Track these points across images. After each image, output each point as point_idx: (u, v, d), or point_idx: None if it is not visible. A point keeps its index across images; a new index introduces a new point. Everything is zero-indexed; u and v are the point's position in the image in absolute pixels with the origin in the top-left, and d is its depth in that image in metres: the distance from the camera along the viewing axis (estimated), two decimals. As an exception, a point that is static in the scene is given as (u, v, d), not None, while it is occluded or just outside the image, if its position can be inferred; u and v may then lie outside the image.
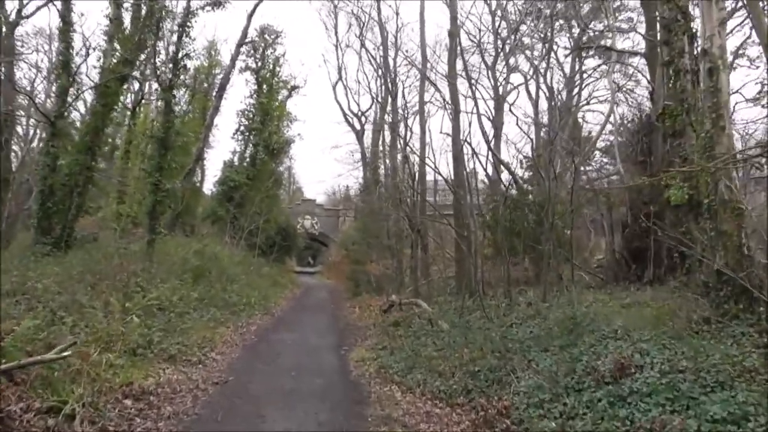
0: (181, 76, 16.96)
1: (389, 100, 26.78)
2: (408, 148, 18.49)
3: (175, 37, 15.89)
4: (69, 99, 17.84)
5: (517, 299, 12.71)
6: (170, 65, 15.69)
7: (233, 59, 26.08)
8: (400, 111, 26.12)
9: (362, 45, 30.14)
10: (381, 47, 27.50)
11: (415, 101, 26.06)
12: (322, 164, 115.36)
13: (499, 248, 16.68)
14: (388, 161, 26.69)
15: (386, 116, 26.35)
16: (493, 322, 10.94)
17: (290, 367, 9.39)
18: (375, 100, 31.94)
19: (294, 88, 36.02)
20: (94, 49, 17.61)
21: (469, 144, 14.58)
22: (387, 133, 28.05)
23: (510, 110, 23.94)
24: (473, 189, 15.24)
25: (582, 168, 20.83)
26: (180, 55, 15.40)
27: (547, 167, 18.06)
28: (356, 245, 28.19)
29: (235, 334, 12.32)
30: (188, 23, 15.59)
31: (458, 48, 16.68)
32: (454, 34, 16.43)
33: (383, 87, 28.78)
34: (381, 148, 28.85)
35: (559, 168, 18.11)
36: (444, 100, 15.95)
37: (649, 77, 17.01)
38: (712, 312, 7.46)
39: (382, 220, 20.49)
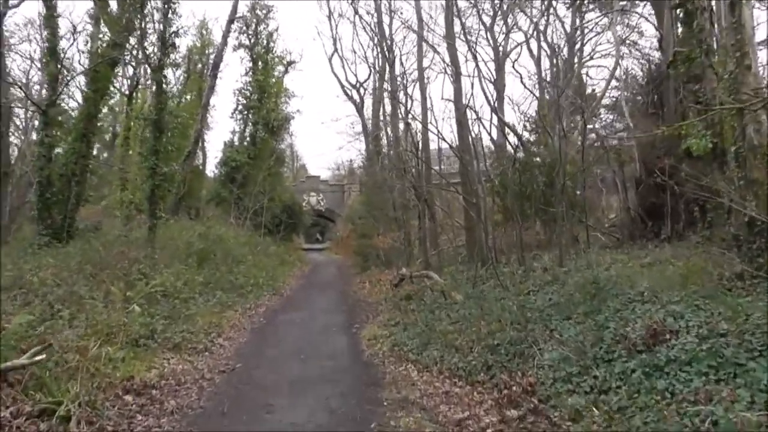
0: (171, 55, 16.31)
1: (387, 68, 26.00)
2: (410, 115, 17.84)
3: (161, 16, 15.09)
4: (59, 86, 17.31)
5: (532, 265, 12.26)
6: (159, 44, 15.02)
7: (225, 36, 25.32)
8: (398, 79, 25.35)
9: (356, 12, 29.24)
10: (375, 13, 26.57)
11: (413, 68, 25.28)
12: (324, 138, 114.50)
13: (509, 213, 16.20)
14: (389, 131, 26.04)
15: (385, 85, 25.58)
16: (508, 291, 10.50)
17: (300, 350, 9.01)
18: (372, 70, 31.13)
19: (290, 63, 35.37)
20: (79, 32, 16.99)
21: (472, 108, 13.92)
22: (387, 103, 27.37)
23: (513, 68, 23.18)
24: (479, 154, 14.64)
25: (590, 125, 20.22)
26: (167, 33, 14.73)
27: (554, 126, 17.47)
28: (362, 219, 27.75)
29: (242, 317, 11.97)
30: (172, 2, 14.91)
31: (455, 7, 15.90)
32: (451, -5, 15.69)
33: (380, 55, 27.98)
34: (382, 118, 28.14)
35: (566, 127, 17.50)
36: (444, 62, 15.27)
37: (656, 24, 16.23)
38: (745, 266, 6.97)
39: (387, 191, 19.98)
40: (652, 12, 18.59)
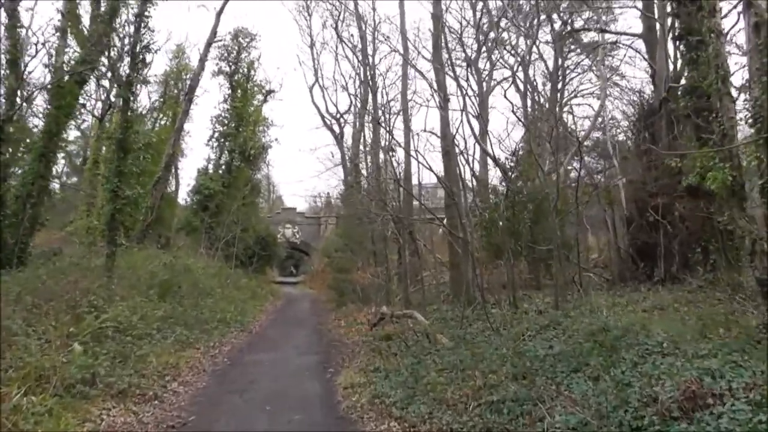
0: (142, 72, 15.31)
1: (369, 95, 25.38)
2: (393, 139, 17.02)
3: (132, 29, 14.17)
4: (18, 101, 16.20)
5: (523, 306, 11.36)
6: (128, 60, 14.06)
7: (202, 60, 24.48)
8: (381, 109, 24.71)
9: (339, 38, 28.59)
10: (360, 39, 26.05)
11: (396, 98, 24.69)
12: (302, 169, 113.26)
13: (495, 250, 15.36)
14: (370, 161, 25.25)
15: (367, 114, 24.89)
16: (500, 335, 9.56)
17: (266, 399, 7.87)
18: (353, 99, 30.59)
19: (269, 92, 34.66)
20: (43, 44, 15.98)
21: (462, 137, 13.13)
22: (368, 132, 26.66)
23: (494, 104, 22.60)
24: (466, 186, 13.85)
25: (575, 163, 19.68)
26: (138, 47, 13.78)
27: (540, 162, 16.86)
28: (339, 252, 26.68)
29: (204, 357, 10.76)
30: (146, 12, 14.01)
31: (443, 33, 15.29)
32: (437, 16, 15.05)
33: (363, 83, 27.34)
34: (362, 148, 27.41)
35: (548, 164, 16.90)
36: (432, 88, 14.56)
37: (648, 60, 15.84)
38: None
39: (366, 223, 19.04)
40: (637, 50, 18.34)
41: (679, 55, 16.10)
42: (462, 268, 13.30)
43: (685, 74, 11.38)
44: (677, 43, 12.29)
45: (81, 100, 23.75)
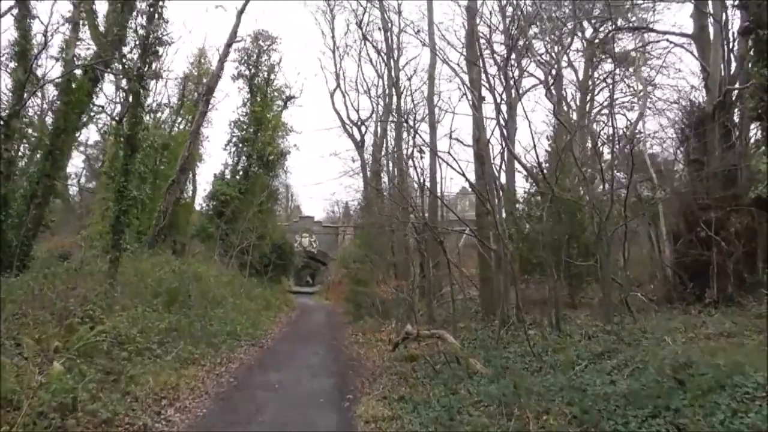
0: (153, 64, 14.41)
1: (394, 98, 24.32)
2: (419, 142, 15.85)
3: (144, 20, 13.27)
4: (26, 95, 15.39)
5: (566, 328, 10.12)
6: (139, 51, 13.16)
7: (221, 60, 23.68)
8: (404, 116, 23.62)
9: (363, 37, 27.50)
10: (384, 41, 25.05)
11: (422, 102, 23.57)
12: (321, 175, 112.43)
13: (526, 265, 14.13)
14: (392, 167, 24.14)
15: (391, 117, 23.78)
16: (542, 360, 8.35)
17: (274, 434, 6.74)
18: (376, 107, 29.55)
19: (290, 98, 33.78)
20: (51, 35, 15.18)
21: (501, 140, 11.92)
22: (391, 139, 25.59)
23: (527, 112, 21.42)
24: (500, 195, 12.63)
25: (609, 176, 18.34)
26: (150, 38, 12.88)
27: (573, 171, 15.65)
28: (357, 263, 25.57)
29: (208, 377, 9.65)
30: (160, 2, 13.12)
31: (475, 28, 14.18)
32: (472, 9, 13.98)
33: (387, 86, 26.26)
34: (384, 152, 26.35)
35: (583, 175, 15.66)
36: (464, 85, 13.42)
37: (700, 61, 14.54)
38: None
39: (388, 233, 17.94)
40: (676, 56, 16.94)
41: (733, 58, 14.98)
42: (494, 283, 12.11)
43: (754, 71, 10.08)
44: (734, 39, 11.02)
45: (100, 102, 23.22)
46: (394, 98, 24.21)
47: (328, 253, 44.33)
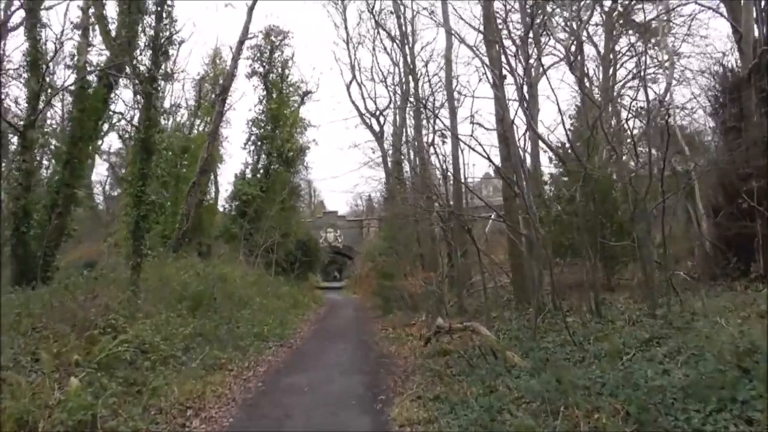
0: (165, 66, 14.14)
1: (411, 85, 23.73)
2: (439, 126, 15.29)
3: (153, 20, 12.99)
4: (40, 105, 15.29)
5: (607, 314, 9.57)
6: (150, 53, 12.88)
7: (235, 59, 23.41)
8: (422, 102, 23.03)
9: (376, 24, 26.81)
10: (398, 27, 24.44)
11: (440, 87, 22.93)
12: (341, 168, 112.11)
13: (558, 248, 13.54)
14: (413, 156, 23.62)
15: (409, 105, 23.19)
16: (585, 351, 7.83)
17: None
18: (393, 96, 28.97)
19: (306, 93, 33.46)
20: (62, 43, 15.03)
21: (526, 120, 11.33)
22: (410, 128, 25.02)
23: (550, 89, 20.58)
24: (528, 176, 12.03)
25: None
26: (160, 39, 12.59)
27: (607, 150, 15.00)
28: (383, 256, 25.18)
29: (236, 382, 9.34)
30: (168, 1, 12.82)
31: (493, 5, 13.56)
32: (489, -16, 13.37)
33: (404, 72, 25.66)
34: (404, 140, 25.82)
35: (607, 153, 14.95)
36: (483, 65, 12.84)
37: (731, 22, 13.67)
38: None
39: (412, 223, 17.44)
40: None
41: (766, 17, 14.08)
42: (526, 270, 11.58)
43: None
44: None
45: (120, 108, 23.15)
46: (411, 85, 23.58)
47: (354, 247, 44.15)
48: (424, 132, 20.02)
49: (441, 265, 16.25)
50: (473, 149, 11.42)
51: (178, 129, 32.20)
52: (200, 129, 32.37)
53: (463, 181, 17.96)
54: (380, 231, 32.79)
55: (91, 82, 15.56)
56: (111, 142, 45.84)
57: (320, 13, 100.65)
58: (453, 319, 11.11)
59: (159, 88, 14.62)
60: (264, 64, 30.92)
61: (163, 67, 14.07)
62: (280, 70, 31.61)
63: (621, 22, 23.87)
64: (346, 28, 31.93)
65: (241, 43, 23.25)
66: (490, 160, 11.71)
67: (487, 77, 12.22)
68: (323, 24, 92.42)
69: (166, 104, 28.95)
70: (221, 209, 33.13)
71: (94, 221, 38.06)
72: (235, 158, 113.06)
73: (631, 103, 20.09)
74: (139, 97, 26.77)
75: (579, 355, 7.65)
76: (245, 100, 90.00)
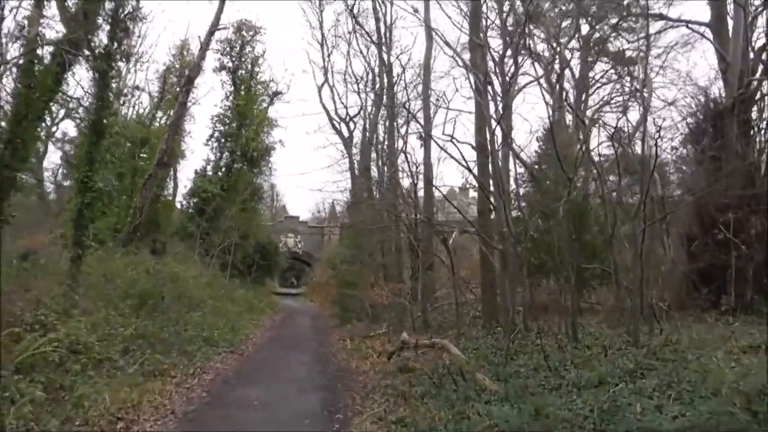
0: (123, 43, 13.09)
1: (385, 89, 23.13)
2: (414, 126, 14.58)
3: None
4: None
5: (583, 338, 9.08)
6: (108, 27, 11.90)
7: (203, 48, 22.34)
8: (400, 103, 22.47)
9: (355, 22, 26.17)
10: (375, 27, 23.91)
11: (416, 94, 22.42)
12: (307, 173, 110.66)
13: (530, 267, 13.06)
14: (381, 163, 23.01)
15: (383, 105, 22.57)
16: (561, 377, 7.27)
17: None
18: (364, 103, 28.38)
19: (276, 93, 32.58)
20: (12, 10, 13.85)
21: (504, 130, 10.81)
22: (381, 134, 24.45)
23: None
24: (505, 189, 11.49)
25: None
26: (120, 13, 11.64)
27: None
28: (345, 264, 24.40)
29: (177, 392, 8.44)
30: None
31: (481, 8, 13.09)
32: (478, -10, 12.91)
33: (378, 71, 25.06)
34: (374, 144, 25.21)
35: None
36: (466, 68, 12.33)
37: (720, 50, 13.54)
38: None
39: (378, 232, 16.77)
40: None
41: (752, 49, 14.03)
42: (498, 287, 11.04)
43: None
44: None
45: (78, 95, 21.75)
46: (387, 88, 22.98)
47: (313, 254, 43.26)
48: (396, 135, 19.43)
49: (406, 277, 15.59)
50: (450, 155, 10.83)
51: (139, 120, 30.96)
52: (162, 122, 31.11)
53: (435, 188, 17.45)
54: (343, 239, 32.01)
55: (43, 58, 14.37)
56: (66, 128, 43.85)
57: (296, 12, 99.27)
58: (421, 336, 10.43)
59: (115, 67, 13.51)
60: (233, 59, 29.94)
61: (122, 44, 12.97)
62: (249, 66, 30.67)
63: (596, 48, 23.98)
64: (321, 28, 31.30)
65: (211, 33, 22.25)
66: (469, 169, 11.15)
67: (469, 82, 11.67)
68: (298, 23, 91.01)
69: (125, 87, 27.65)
70: (179, 206, 31.83)
71: (43, 211, 36.15)
72: (197, 155, 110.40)
73: (607, 127, 19.95)
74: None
75: (555, 382, 7.08)
76: (211, 96, 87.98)
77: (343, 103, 31.51)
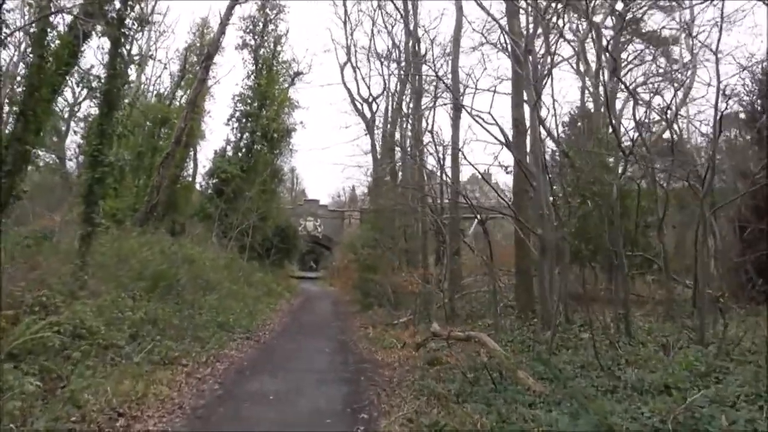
0: (136, 7, 12.28)
1: (413, 60, 22.10)
2: (446, 87, 13.54)
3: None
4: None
5: (637, 333, 8.19)
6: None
7: (223, 23, 21.54)
8: (425, 85, 21.49)
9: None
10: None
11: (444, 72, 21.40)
12: (328, 156, 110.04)
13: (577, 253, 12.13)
14: (409, 137, 22.10)
15: (409, 79, 21.56)
16: (616, 377, 6.42)
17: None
18: (387, 84, 27.46)
19: (297, 74, 31.97)
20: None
21: (538, 110, 9.83)
22: (408, 110, 23.46)
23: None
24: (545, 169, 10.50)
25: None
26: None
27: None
28: (366, 249, 23.64)
29: (187, 383, 7.75)
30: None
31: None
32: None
33: (404, 45, 24.08)
34: (398, 125, 24.32)
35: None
36: (504, 33, 11.36)
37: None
38: None
39: (402, 214, 15.93)
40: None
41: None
42: (539, 274, 10.16)
43: None
44: None
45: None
46: (412, 63, 21.97)
47: (333, 237, 42.67)
48: (423, 114, 18.49)
49: (432, 263, 14.77)
50: (485, 128, 9.87)
51: (159, 100, 30.49)
52: (182, 101, 30.57)
53: (469, 164, 16.51)
54: (364, 222, 31.32)
55: (56, 26, 13.73)
56: (90, 109, 43.69)
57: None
58: (445, 324, 9.61)
59: (129, 34, 12.79)
60: (256, 37, 29.29)
61: (136, 10, 12.21)
62: (272, 45, 30.05)
63: (631, 28, 22.68)
64: (345, 4, 30.40)
65: (231, 6, 21.42)
66: (507, 145, 10.17)
67: (507, 52, 10.69)
68: (318, 5, 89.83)
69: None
70: (198, 187, 31.38)
71: (66, 191, 35.98)
72: (216, 135, 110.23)
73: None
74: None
75: (609, 383, 6.22)
76: (233, 75, 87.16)
77: (366, 83, 30.66)
